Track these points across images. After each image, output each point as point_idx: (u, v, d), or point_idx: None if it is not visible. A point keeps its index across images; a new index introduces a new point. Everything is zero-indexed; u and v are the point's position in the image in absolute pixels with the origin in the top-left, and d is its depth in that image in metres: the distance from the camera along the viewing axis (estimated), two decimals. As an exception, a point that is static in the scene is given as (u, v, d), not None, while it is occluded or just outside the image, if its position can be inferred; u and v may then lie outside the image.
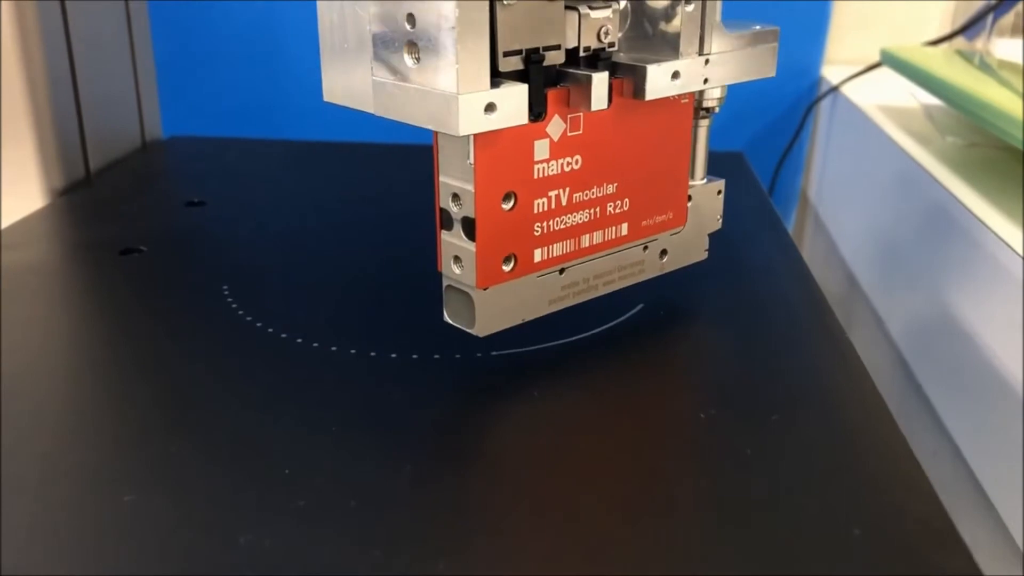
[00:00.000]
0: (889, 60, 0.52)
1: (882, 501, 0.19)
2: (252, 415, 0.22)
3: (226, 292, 0.28)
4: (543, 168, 0.22)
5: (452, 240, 0.22)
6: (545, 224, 0.23)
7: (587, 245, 0.24)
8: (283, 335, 0.25)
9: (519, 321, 0.23)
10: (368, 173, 0.41)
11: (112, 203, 0.36)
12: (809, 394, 0.23)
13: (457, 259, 0.22)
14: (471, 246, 0.21)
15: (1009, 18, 0.51)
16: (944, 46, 0.54)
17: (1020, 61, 0.47)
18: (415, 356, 0.24)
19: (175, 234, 0.33)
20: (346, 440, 0.21)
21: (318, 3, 0.21)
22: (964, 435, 0.36)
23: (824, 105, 0.61)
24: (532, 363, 0.24)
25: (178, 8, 0.59)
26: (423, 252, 0.32)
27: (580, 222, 0.24)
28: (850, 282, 0.53)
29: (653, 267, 0.26)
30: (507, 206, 0.22)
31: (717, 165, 0.40)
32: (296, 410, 0.22)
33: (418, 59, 0.19)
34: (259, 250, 0.32)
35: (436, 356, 0.24)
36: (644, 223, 0.25)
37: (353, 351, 0.25)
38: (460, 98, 0.19)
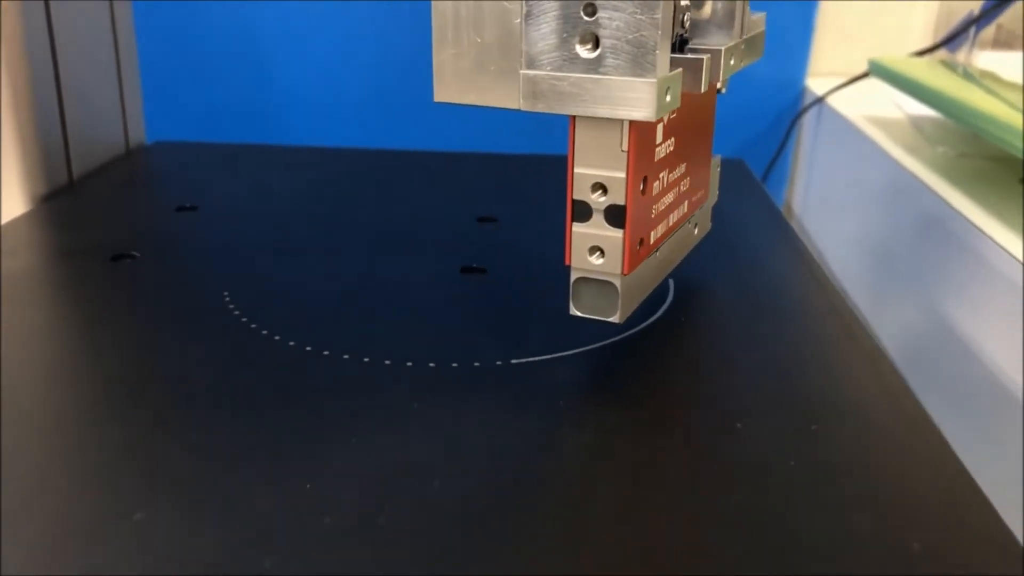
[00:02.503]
0: (878, 70, 0.52)
1: (939, 515, 0.18)
2: (267, 427, 0.21)
3: (227, 298, 0.27)
4: (658, 151, 0.23)
5: (589, 231, 0.22)
6: (655, 206, 0.23)
7: (671, 224, 0.25)
8: (291, 343, 0.24)
9: (638, 303, 0.23)
10: (357, 178, 0.40)
11: (99, 209, 0.35)
12: (845, 403, 0.22)
13: (596, 249, 0.22)
14: (618, 234, 0.21)
15: (990, 31, 0.52)
16: (928, 58, 0.54)
17: (1001, 72, 0.48)
18: (432, 365, 0.24)
19: (168, 240, 0.32)
20: (368, 453, 0.20)
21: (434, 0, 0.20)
22: (963, 443, 0.36)
23: (809, 116, 0.61)
24: (554, 371, 0.23)
25: (162, 13, 0.58)
26: (428, 255, 0.31)
27: (670, 202, 0.24)
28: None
29: (691, 240, 0.27)
30: (641, 190, 0.22)
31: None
32: (313, 421, 0.21)
33: (595, 47, 0.19)
34: (258, 256, 0.31)
35: (454, 364, 0.24)
36: (694, 199, 0.26)
37: (367, 359, 0.24)
38: (658, 83, 0.19)
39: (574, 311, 0.23)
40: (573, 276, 0.22)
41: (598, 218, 0.21)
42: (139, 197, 0.37)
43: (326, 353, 0.24)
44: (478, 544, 0.17)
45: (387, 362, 0.24)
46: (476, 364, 0.24)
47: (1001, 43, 0.52)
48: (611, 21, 0.19)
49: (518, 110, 0.20)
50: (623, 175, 0.21)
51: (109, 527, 0.17)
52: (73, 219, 0.34)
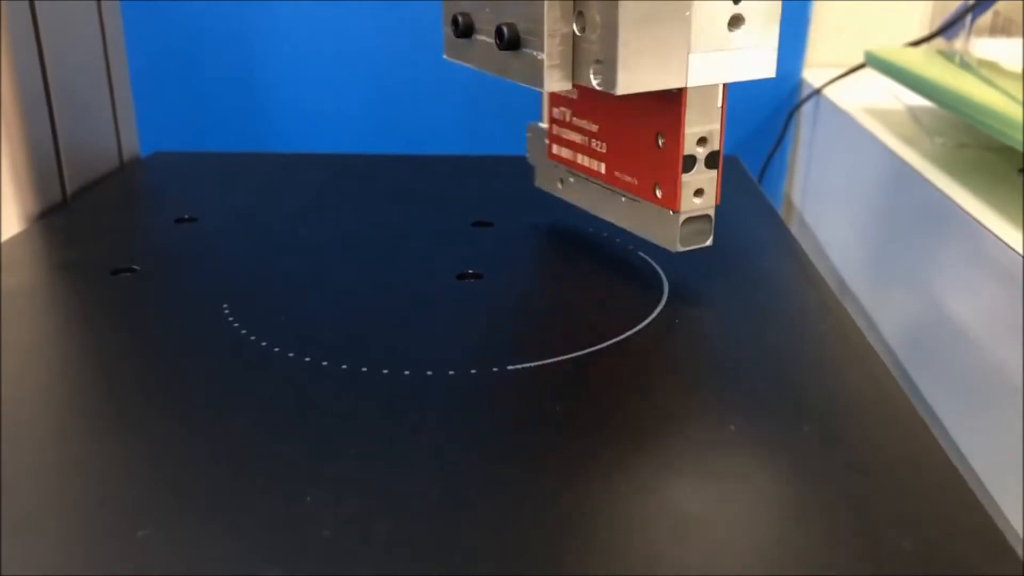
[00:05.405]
0: (874, 62, 0.52)
1: (929, 514, 0.18)
2: (267, 440, 0.21)
3: (227, 310, 0.27)
4: None
5: (693, 178, 0.26)
6: None
7: None
8: (290, 354, 0.24)
9: None
10: (356, 185, 0.40)
11: (97, 224, 0.35)
12: (836, 404, 0.22)
13: (699, 191, 0.27)
14: (713, 174, 0.27)
15: (987, 18, 0.51)
16: (924, 47, 0.54)
17: (999, 60, 0.48)
18: (429, 373, 0.23)
19: (168, 252, 0.32)
20: (367, 464, 0.20)
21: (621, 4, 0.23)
22: (965, 434, 0.36)
23: (806, 108, 0.61)
24: (550, 376, 0.23)
25: (152, 21, 0.58)
26: (425, 262, 0.31)
27: None
28: (839, 285, 0.53)
29: None
30: None
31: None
32: (314, 433, 0.21)
33: (737, 28, 0.24)
34: (256, 266, 0.31)
35: (451, 372, 0.23)
36: None
37: (365, 369, 0.24)
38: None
39: (679, 248, 0.27)
40: (681, 219, 0.27)
41: (699, 166, 0.26)
42: (137, 210, 0.37)
43: (324, 364, 0.24)
44: (475, 551, 0.17)
45: (385, 371, 0.24)
46: (473, 371, 0.24)
47: (998, 30, 0.51)
48: (750, 5, 0.24)
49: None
50: (718, 126, 0.26)
51: (112, 542, 0.17)
52: (71, 235, 0.33)
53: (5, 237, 0.33)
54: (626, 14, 0.23)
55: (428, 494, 0.19)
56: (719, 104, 0.26)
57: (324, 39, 0.60)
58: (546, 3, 0.24)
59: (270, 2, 0.59)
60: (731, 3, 0.24)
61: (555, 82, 0.25)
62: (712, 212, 0.27)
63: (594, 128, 0.30)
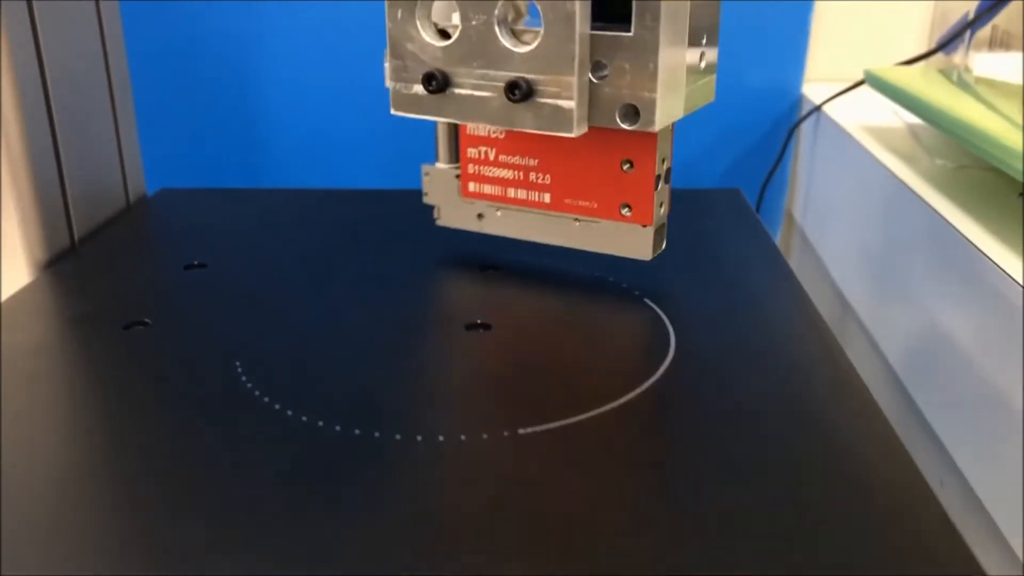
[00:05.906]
0: (873, 82, 0.52)
1: (909, 551, 0.19)
2: (282, 515, 0.21)
3: (239, 369, 0.27)
4: None
5: (660, 192, 0.31)
6: None
7: None
8: (304, 418, 0.25)
9: None
10: (365, 223, 0.40)
11: (106, 272, 0.35)
12: (844, 472, 0.23)
13: (661, 204, 0.31)
14: (668, 187, 0.31)
15: (986, 31, 0.52)
16: (923, 64, 0.54)
17: (997, 77, 0.48)
18: (441, 439, 0.24)
19: (178, 303, 0.32)
20: (382, 534, 0.20)
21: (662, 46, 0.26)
22: (967, 457, 0.36)
23: (806, 125, 0.61)
24: (560, 439, 0.24)
25: (154, 59, 0.58)
26: (433, 311, 0.31)
27: None
28: (841, 302, 0.53)
29: None
30: None
31: (715, 201, 0.40)
32: (325, 505, 0.21)
33: (702, 61, 0.29)
34: (266, 317, 0.31)
35: (463, 437, 0.24)
36: None
37: (377, 434, 0.24)
38: None
39: (651, 256, 0.31)
40: (654, 230, 0.31)
41: (661, 183, 0.31)
42: (146, 256, 0.37)
43: (337, 428, 0.24)
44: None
45: (397, 437, 0.24)
46: (484, 436, 0.24)
47: (997, 43, 0.51)
48: (709, 45, 0.29)
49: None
50: (670, 146, 0.31)
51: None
52: (81, 285, 0.34)
53: (16, 287, 0.33)
54: (663, 64, 0.27)
55: (444, 564, 0.19)
56: (671, 129, 0.31)
57: (335, 68, 0.60)
58: (576, 56, 0.26)
59: (273, 14, 0.59)
60: (701, 43, 0.29)
61: (580, 127, 0.28)
62: (666, 220, 0.32)
63: (532, 163, 0.32)
